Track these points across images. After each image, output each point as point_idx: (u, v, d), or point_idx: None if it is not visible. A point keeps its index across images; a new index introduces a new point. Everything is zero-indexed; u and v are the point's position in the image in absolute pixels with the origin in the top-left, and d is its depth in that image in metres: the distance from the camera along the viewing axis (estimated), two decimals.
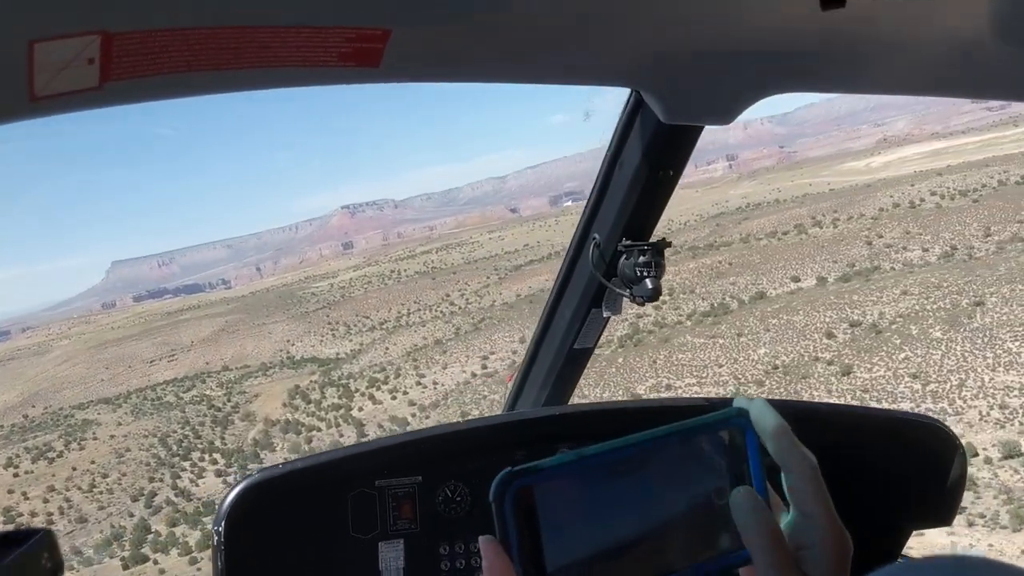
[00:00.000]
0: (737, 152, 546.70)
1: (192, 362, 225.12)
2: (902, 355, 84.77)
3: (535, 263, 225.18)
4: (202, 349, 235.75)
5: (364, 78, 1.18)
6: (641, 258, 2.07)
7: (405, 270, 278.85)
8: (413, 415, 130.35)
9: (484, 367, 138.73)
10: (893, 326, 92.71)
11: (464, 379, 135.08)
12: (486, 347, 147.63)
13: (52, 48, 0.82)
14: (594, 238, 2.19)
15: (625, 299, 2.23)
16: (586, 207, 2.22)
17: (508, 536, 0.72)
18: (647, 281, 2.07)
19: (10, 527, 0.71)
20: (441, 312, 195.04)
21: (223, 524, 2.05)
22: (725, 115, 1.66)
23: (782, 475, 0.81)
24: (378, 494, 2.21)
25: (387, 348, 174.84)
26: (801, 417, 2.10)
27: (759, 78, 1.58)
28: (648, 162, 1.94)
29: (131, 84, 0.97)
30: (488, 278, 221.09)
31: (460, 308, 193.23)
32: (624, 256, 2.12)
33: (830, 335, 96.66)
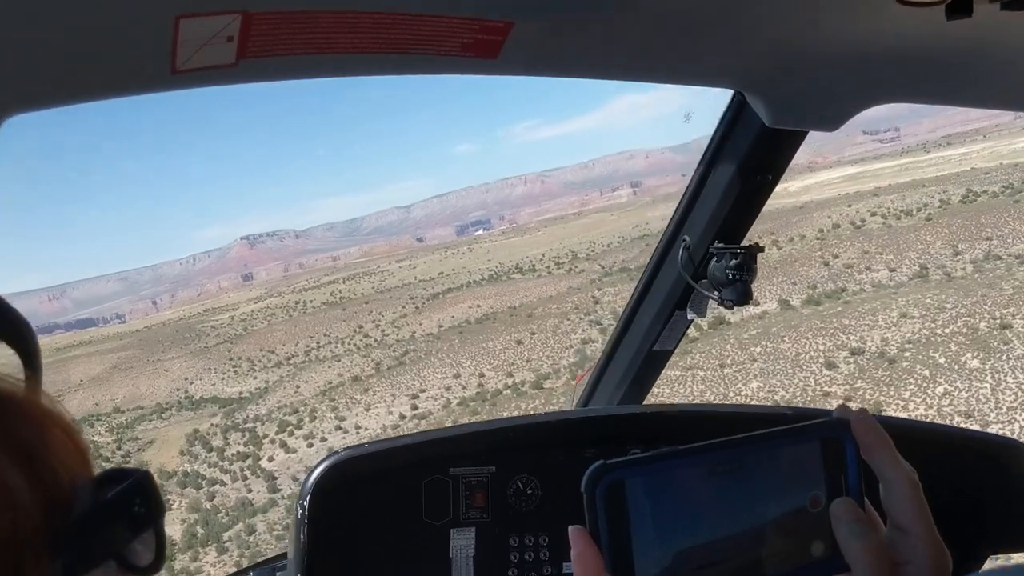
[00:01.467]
0: (641, 179, 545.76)
1: (80, 403, 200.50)
2: (939, 389, 70.30)
3: (454, 291, 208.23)
4: (92, 388, 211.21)
5: (481, 69, 1.18)
6: (733, 261, 2.05)
7: (311, 301, 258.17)
8: None
9: (414, 408, 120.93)
10: (907, 354, 78.75)
11: (392, 422, 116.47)
12: (414, 384, 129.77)
13: (196, 24, 0.85)
14: (684, 240, 2.16)
15: (711, 302, 2.21)
16: (677, 209, 2.18)
17: (598, 527, 0.72)
18: (738, 284, 2.05)
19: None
20: (355, 345, 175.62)
21: (308, 499, 2.05)
22: (832, 122, 1.63)
23: (880, 489, 0.79)
24: (452, 482, 2.20)
25: (297, 387, 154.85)
26: (898, 433, 2.24)
27: (871, 86, 1.55)
28: (747, 166, 1.90)
29: (264, 63, 0.99)
30: (404, 307, 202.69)
31: (377, 340, 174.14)
32: (715, 259, 2.09)
33: (831, 365, 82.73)
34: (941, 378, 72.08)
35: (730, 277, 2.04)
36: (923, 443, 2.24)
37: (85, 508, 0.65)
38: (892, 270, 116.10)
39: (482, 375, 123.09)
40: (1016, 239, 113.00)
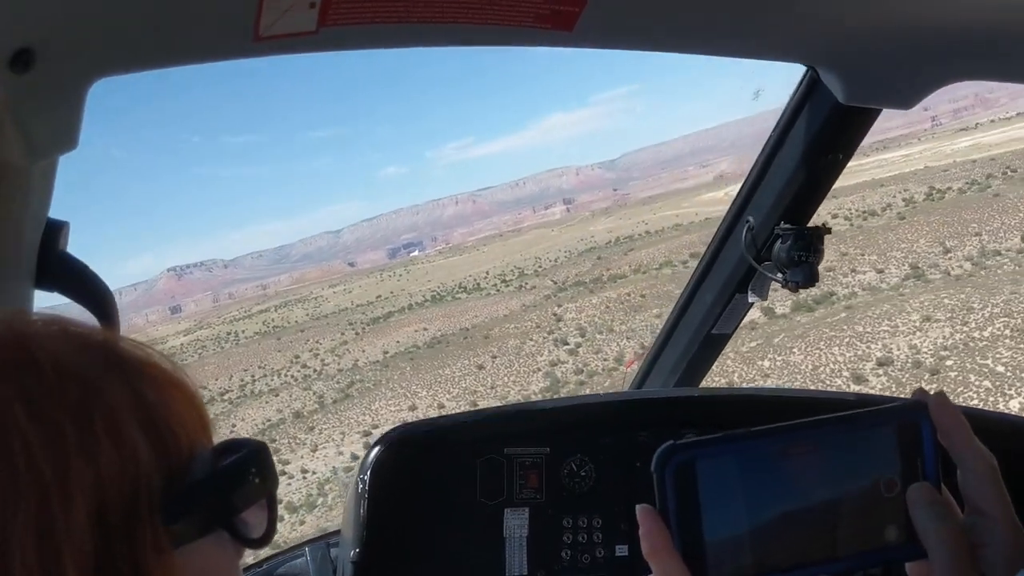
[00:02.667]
0: (573, 196, 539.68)
1: None
2: (1012, 403, 58.47)
3: (397, 314, 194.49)
4: None
5: (555, 41, 1.16)
6: (800, 242, 2.01)
7: (243, 331, 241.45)
8: (281, 518, 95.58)
9: (367, 446, 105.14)
10: (948, 362, 67.36)
11: (343, 464, 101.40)
12: (365, 419, 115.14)
13: None
14: (747, 221, 2.12)
15: (775, 284, 2.16)
16: (741, 190, 2.14)
17: (667, 505, 0.71)
18: (805, 266, 2.01)
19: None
20: (293, 377, 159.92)
21: (368, 473, 2.08)
22: (907, 99, 1.57)
23: (958, 473, 0.76)
24: (506, 461, 2.19)
25: (233, 425, 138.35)
26: (974, 421, 2.21)
27: (950, 62, 1.49)
28: (818, 144, 1.85)
29: (345, 31, 0.98)
30: (343, 334, 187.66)
31: (317, 371, 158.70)
32: (780, 240, 2.05)
33: (859, 378, 71.22)
34: (1010, 389, 60.70)
35: (796, 258, 1.99)
36: (1001, 433, 2.18)
37: (202, 474, 0.66)
38: (880, 271, 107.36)
39: (442, 406, 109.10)
40: (1008, 233, 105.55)
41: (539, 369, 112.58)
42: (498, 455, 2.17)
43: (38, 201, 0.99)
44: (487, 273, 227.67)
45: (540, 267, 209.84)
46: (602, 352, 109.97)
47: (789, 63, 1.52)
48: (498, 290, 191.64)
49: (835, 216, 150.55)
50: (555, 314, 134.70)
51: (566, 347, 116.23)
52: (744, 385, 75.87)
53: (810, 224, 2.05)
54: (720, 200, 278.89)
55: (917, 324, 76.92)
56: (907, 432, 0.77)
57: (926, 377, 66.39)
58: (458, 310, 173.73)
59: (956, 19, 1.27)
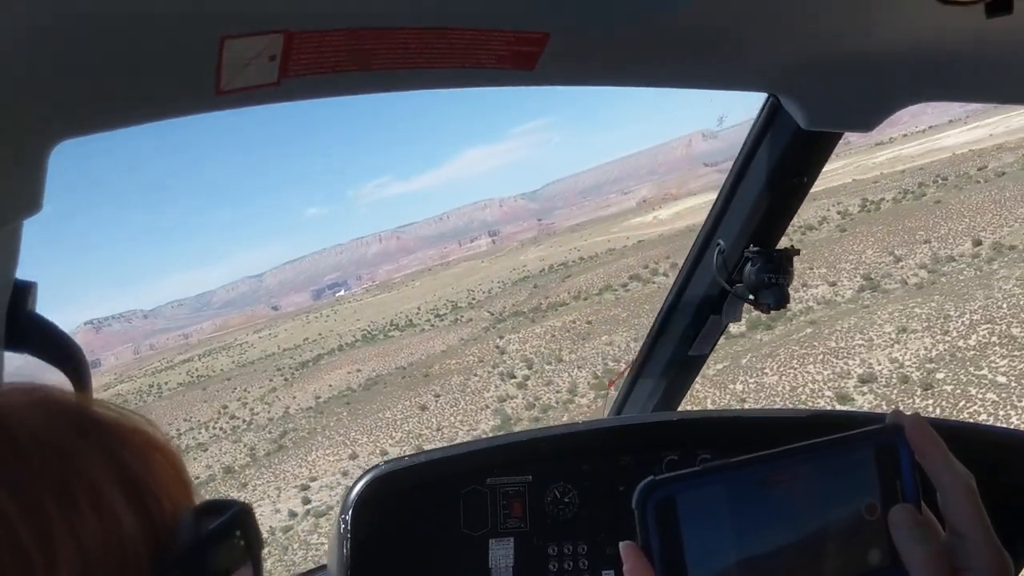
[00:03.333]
0: (498, 227, 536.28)
1: None
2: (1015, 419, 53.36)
3: (327, 357, 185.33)
4: None
5: (518, 81, 1.17)
6: (769, 264, 2.04)
7: (166, 383, 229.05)
8: None
9: (306, 501, 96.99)
10: (939, 375, 62.43)
11: (281, 523, 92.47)
12: (302, 472, 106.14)
13: (240, 44, 0.86)
14: (718, 244, 2.14)
15: (746, 305, 2.20)
16: (710, 214, 2.17)
17: (650, 542, 0.70)
18: (775, 288, 2.03)
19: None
20: (222, 429, 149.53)
21: (350, 513, 2.08)
22: (868, 123, 1.61)
23: (937, 494, 0.76)
24: (489, 492, 2.21)
25: None
26: (953, 436, 2.39)
27: (909, 86, 1.53)
28: (782, 169, 1.88)
29: (305, 81, 0.99)
30: (272, 380, 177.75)
31: (246, 421, 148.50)
32: (750, 263, 2.07)
33: (844, 398, 66.10)
34: (1020, 401, 55.66)
35: (767, 281, 2.02)
36: (977, 444, 2.26)
37: (188, 538, 0.65)
38: (832, 284, 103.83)
39: (384, 452, 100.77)
40: (957, 239, 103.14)
41: (487, 406, 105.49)
42: (480, 486, 2.19)
43: (4, 264, 0.99)
44: (419, 308, 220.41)
45: (474, 299, 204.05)
46: (553, 384, 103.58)
47: (751, 92, 1.56)
48: (432, 325, 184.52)
49: None
50: (498, 346, 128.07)
51: (513, 380, 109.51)
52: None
53: (779, 246, 2.08)
54: (648, 224, 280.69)
55: (893, 336, 72.09)
56: (885, 455, 0.77)
57: (918, 392, 61.26)
58: (392, 348, 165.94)
59: (910, 44, 1.31)
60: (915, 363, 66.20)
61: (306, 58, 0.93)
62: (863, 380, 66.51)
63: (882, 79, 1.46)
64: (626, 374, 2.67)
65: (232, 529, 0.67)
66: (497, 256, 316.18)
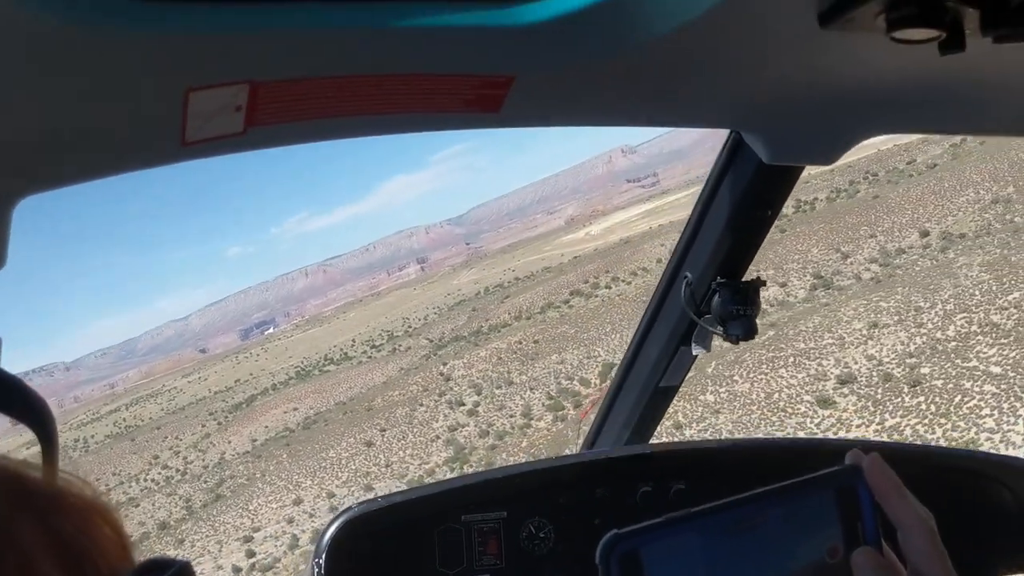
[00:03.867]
0: (426, 255, 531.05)
1: None
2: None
3: (260, 397, 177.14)
4: None
5: (484, 123, 1.18)
6: (736, 296, 2.07)
7: (93, 436, 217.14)
8: None
9: (251, 554, 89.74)
10: (924, 370, 59.47)
11: None
12: (243, 522, 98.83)
13: (205, 96, 0.86)
14: (686, 276, 2.16)
15: (716, 337, 2.22)
16: (677, 247, 2.20)
17: None
18: (743, 319, 2.07)
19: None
20: (154, 481, 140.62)
21: (324, 556, 2.09)
22: (829, 156, 1.64)
23: (898, 534, 0.78)
24: (464, 529, 2.22)
25: None
26: (917, 461, 2.39)
27: (868, 119, 1.57)
28: (746, 202, 1.92)
29: (271, 130, 1.00)
30: (204, 426, 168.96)
31: (180, 471, 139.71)
32: (718, 294, 2.10)
33: (826, 402, 62.48)
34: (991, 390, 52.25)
35: (734, 312, 2.05)
36: (931, 467, 2.33)
37: None
38: (782, 285, 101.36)
39: (331, 494, 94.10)
40: (903, 231, 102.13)
41: (438, 437, 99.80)
42: (455, 523, 2.19)
43: None
44: (353, 340, 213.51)
45: (410, 327, 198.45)
46: (506, 408, 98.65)
47: (713, 128, 1.59)
48: (369, 356, 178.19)
49: None
50: (442, 373, 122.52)
51: (463, 408, 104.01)
52: (693, 424, 65.58)
53: (745, 278, 2.10)
54: (581, 240, 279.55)
55: (865, 332, 68.80)
56: (845, 497, 0.77)
57: (906, 391, 57.53)
58: (329, 383, 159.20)
59: (867, 80, 1.35)
60: (894, 359, 62.92)
61: (272, 107, 0.94)
62: (842, 381, 62.95)
63: (841, 114, 1.50)
64: (598, 406, 2.66)
65: None
66: (429, 283, 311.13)
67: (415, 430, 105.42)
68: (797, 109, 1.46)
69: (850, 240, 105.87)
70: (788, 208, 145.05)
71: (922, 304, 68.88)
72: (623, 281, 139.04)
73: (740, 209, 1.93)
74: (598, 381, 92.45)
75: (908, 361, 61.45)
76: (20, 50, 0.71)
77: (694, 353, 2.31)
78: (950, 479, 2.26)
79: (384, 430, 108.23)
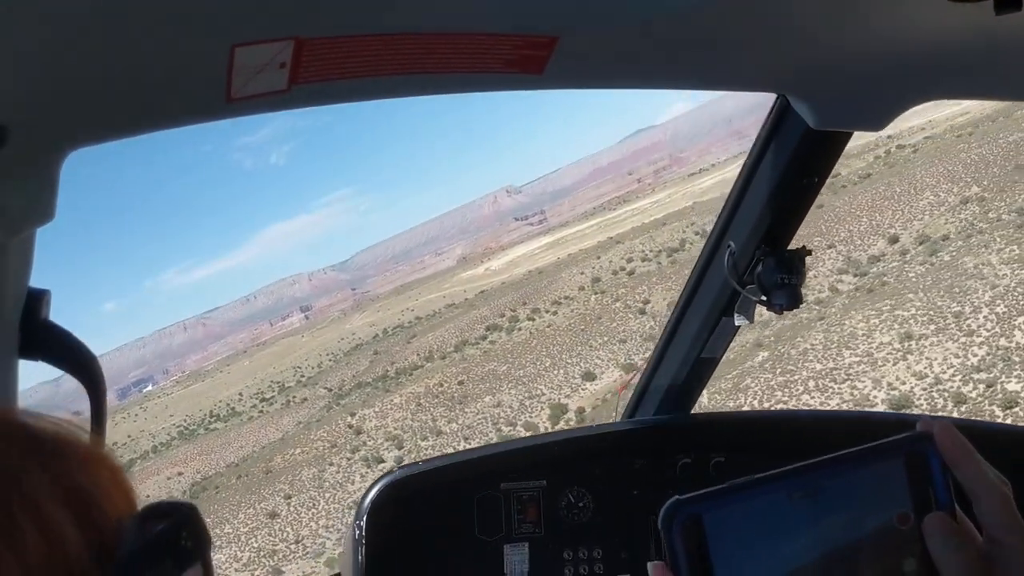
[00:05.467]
0: (310, 302, 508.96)
1: None
2: None
3: (140, 461, 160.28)
4: None
5: (526, 84, 1.17)
6: (781, 265, 2.01)
7: None
8: None
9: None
10: (1010, 386, 45.53)
11: None
12: None
13: (250, 52, 0.86)
14: (729, 246, 2.11)
15: (759, 307, 2.17)
16: (720, 216, 2.15)
17: (678, 564, 0.70)
18: (788, 288, 2.00)
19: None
20: None
21: (364, 519, 2.11)
22: (878, 122, 1.60)
23: (972, 502, 0.74)
24: (503, 497, 2.24)
25: None
26: (988, 437, 2.35)
27: (918, 83, 1.53)
28: (793, 169, 1.87)
29: (315, 88, 0.99)
30: None
31: None
32: (762, 263, 2.04)
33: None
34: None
35: (779, 281, 1.98)
36: (1008, 445, 2.27)
37: (133, 545, 0.63)
38: None
39: None
40: (866, 238, 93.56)
41: (356, 503, 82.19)
42: (495, 491, 2.20)
43: (18, 273, 1.00)
44: (240, 394, 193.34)
45: (303, 376, 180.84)
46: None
47: (760, 92, 1.57)
48: (260, 411, 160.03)
49: (630, 260, 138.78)
50: (351, 425, 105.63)
51: (383, 466, 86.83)
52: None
53: (790, 247, 2.04)
54: (481, 276, 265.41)
55: (898, 346, 55.61)
56: (915, 463, 0.75)
57: (998, 414, 44.44)
58: (217, 443, 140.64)
59: (922, 42, 1.31)
60: (956, 375, 50.06)
61: (316, 64, 0.93)
62: (896, 405, 49.49)
63: (891, 78, 1.45)
64: (638, 376, 2.63)
65: (179, 531, 0.65)
66: (318, 328, 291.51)
67: (327, 495, 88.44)
68: (847, 73, 1.42)
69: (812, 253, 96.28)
70: (688, 231, 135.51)
71: (960, 309, 57.07)
72: (547, 312, 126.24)
73: (786, 176, 1.87)
74: (549, 424, 77.35)
75: (977, 376, 48.88)
76: (64, 6, 0.71)
77: (736, 324, 2.27)
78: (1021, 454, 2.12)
79: (289, 497, 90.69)
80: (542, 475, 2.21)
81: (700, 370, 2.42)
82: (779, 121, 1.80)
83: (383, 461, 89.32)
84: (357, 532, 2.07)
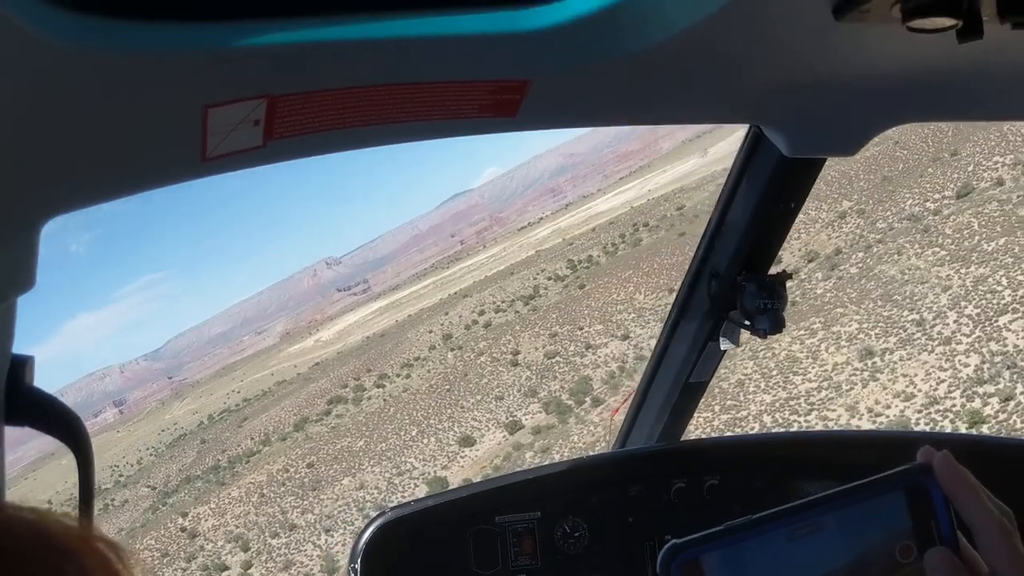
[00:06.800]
0: (123, 395, 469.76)
1: None
2: None
3: None
4: None
5: (501, 127, 1.18)
6: (763, 290, 2.03)
7: None
8: None
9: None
10: None
11: None
12: None
13: (223, 112, 0.85)
14: (711, 272, 2.14)
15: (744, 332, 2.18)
16: (700, 243, 2.17)
17: None
18: (770, 313, 2.02)
19: None
20: None
21: (359, 561, 2.11)
22: (850, 147, 1.63)
23: (973, 536, 0.73)
24: (499, 530, 2.22)
25: None
26: (988, 454, 2.32)
27: (888, 109, 1.55)
28: (769, 196, 1.89)
29: (291, 142, 0.99)
30: None
31: None
32: (744, 289, 2.06)
33: None
34: None
35: (761, 306, 2.00)
36: (1014, 459, 2.28)
37: None
38: (624, 338, 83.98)
39: None
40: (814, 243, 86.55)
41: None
42: (489, 525, 2.19)
43: (1, 340, 1.00)
44: (49, 502, 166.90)
45: (122, 475, 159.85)
46: (297, 563, 68.56)
47: (733, 124, 1.60)
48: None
49: (483, 313, 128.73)
50: (183, 528, 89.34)
51: (227, 573, 71.46)
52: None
53: (771, 272, 2.07)
54: (312, 348, 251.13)
55: (859, 365, 46.99)
56: (917, 496, 0.73)
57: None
58: None
59: (885, 69, 1.33)
60: (954, 390, 42.65)
61: (291, 120, 0.94)
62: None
63: (860, 105, 1.48)
64: (628, 404, 2.62)
65: None
66: (135, 422, 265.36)
67: None
68: (816, 101, 1.44)
69: (681, 278, 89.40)
70: (560, 268, 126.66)
71: (918, 317, 51.03)
72: (398, 376, 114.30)
73: (762, 203, 1.89)
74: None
75: (983, 390, 42.32)
76: (36, 75, 0.70)
77: (722, 348, 2.26)
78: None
79: None
80: (536, 507, 2.21)
81: (689, 396, 2.42)
82: (753, 150, 1.82)
83: (227, 568, 73.74)
84: (352, 575, 2.08)
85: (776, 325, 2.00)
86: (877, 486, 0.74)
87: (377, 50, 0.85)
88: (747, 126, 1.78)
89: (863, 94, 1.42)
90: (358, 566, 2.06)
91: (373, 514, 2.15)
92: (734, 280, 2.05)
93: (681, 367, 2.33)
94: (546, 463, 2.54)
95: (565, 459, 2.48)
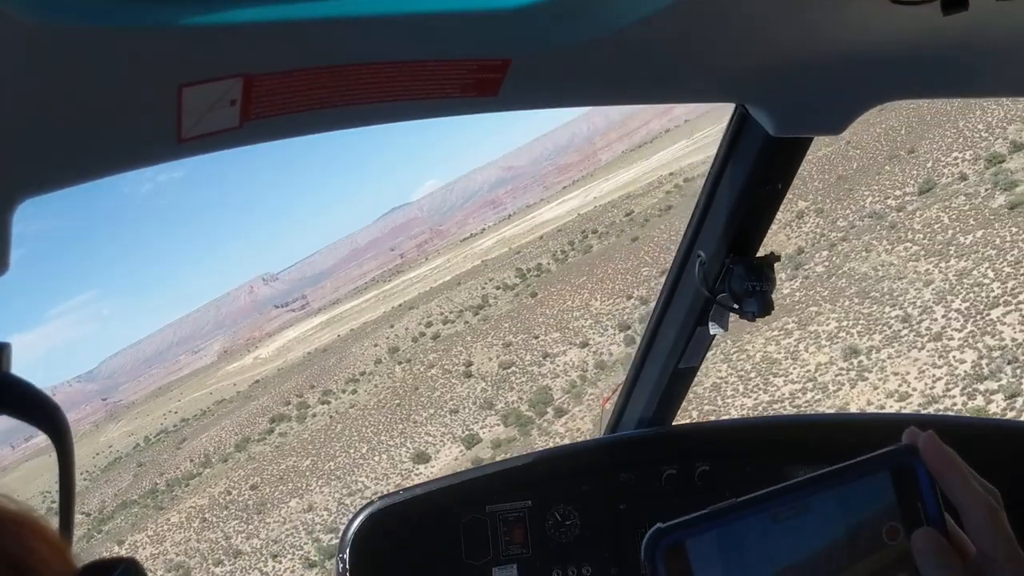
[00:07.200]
0: None
1: None
2: None
3: None
4: None
5: (483, 107, 1.16)
6: (751, 273, 2.00)
7: None
8: None
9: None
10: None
11: None
12: None
13: (199, 92, 0.84)
14: (699, 255, 2.09)
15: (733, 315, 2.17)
16: (688, 226, 2.14)
17: None
18: (759, 295, 2.00)
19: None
20: None
21: (348, 551, 2.09)
22: (837, 125, 1.61)
23: (960, 516, 0.73)
24: (489, 519, 2.22)
25: None
26: (976, 436, 2.36)
27: (873, 86, 1.53)
28: (755, 177, 1.86)
29: (268, 122, 0.98)
30: None
31: None
32: (732, 272, 2.03)
33: None
34: None
35: (750, 289, 1.97)
36: (1000, 440, 2.29)
37: None
38: (584, 345, 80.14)
39: None
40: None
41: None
42: (480, 514, 2.18)
43: None
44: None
45: (54, 502, 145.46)
46: None
47: (717, 103, 1.55)
48: None
49: (430, 324, 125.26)
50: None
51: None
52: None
53: (759, 254, 2.04)
54: (251, 366, 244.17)
55: (844, 365, 44.52)
56: (903, 476, 0.73)
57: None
58: None
59: (873, 45, 1.31)
60: (952, 388, 41.30)
61: (268, 100, 0.92)
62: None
63: (846, 82, 1.46)
64: (618, 391, 2.62)
65: None
66: (77, 439, 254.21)
67: None
68: (801, 79, 1.42)
69: (636, 283, 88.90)
70: (508, 277, 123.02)
71: (902, 313, 49.22)
72: (343, 392, 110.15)
73: (749, 184, 1.86)
74: None
75: (983, 387, 40.75)
76: (9, 52, 0.69)
77: (712, 333, 2.25)
78: (1016, 449, 2.13)
79: None
80: (527, 495, 2.19)
81: (679, 381, 2.41)
82: (739, 130, 1.79)
83: None
84: (341, 565, 2.05)
85: (765, 307, 1.96)
86: (863, 467, 0.73)
87: (356, 28, 0.84)
88: (732, 106, 1.73)
89: (849, 71, 1.40)
90: (347, 555, 2.02)
91: (352, 512, 2.14)
92: (722, 263, 2.01)
93: (670, 352, 2.30)
94: (537, 450, 2.50)
95: (556, 446, 2.47)
